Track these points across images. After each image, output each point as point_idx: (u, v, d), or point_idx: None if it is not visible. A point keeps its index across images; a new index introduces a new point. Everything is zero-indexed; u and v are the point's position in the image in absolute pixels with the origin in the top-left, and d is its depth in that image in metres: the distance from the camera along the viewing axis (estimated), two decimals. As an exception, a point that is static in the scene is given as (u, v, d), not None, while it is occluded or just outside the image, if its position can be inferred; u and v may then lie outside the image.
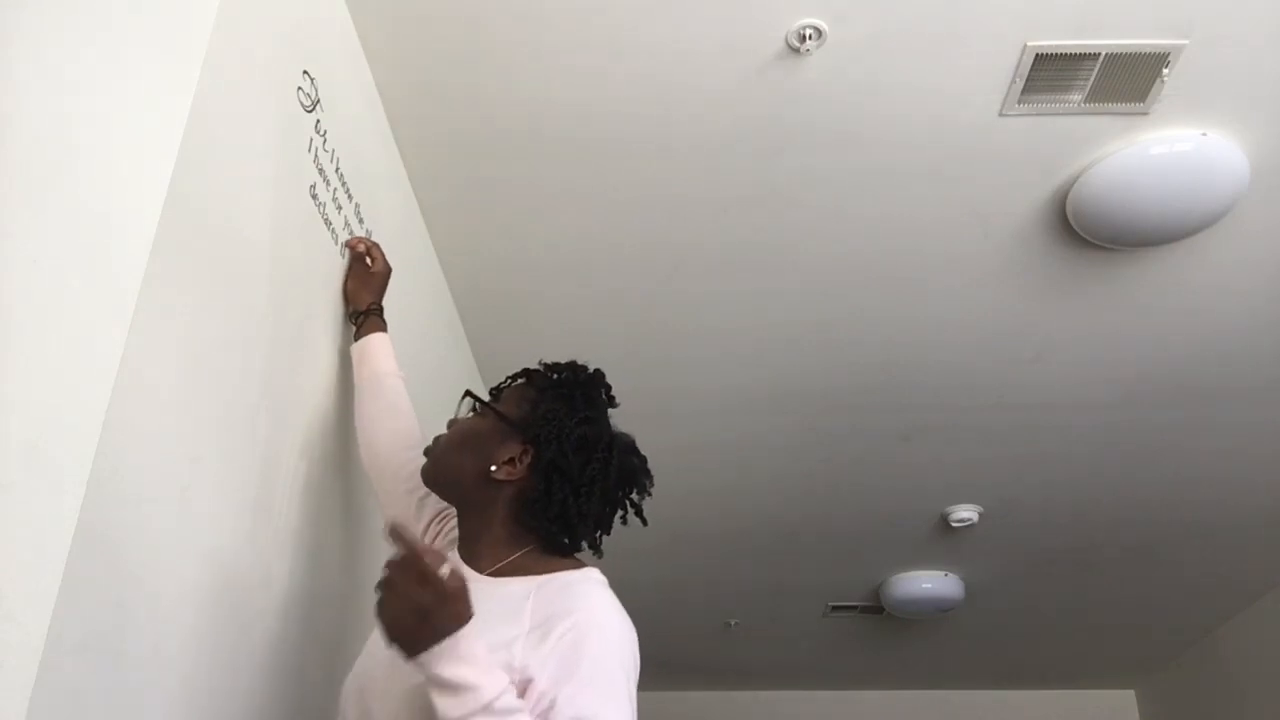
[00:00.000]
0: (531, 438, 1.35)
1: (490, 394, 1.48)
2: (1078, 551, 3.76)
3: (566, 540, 1.35)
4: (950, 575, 4.00)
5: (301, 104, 1.57)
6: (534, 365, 1.47)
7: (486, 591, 1.21)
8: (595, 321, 2.62)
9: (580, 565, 1.32)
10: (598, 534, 1.39)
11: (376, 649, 1.24)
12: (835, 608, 4.32)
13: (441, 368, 2.49)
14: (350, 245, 1.77)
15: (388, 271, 1.80)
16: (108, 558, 1.04)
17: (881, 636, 4.52)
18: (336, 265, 1.74)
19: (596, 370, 1.44)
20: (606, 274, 2.47)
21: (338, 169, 1.72)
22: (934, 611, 4.13)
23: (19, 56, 0.97)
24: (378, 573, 1.06)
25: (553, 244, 2.38)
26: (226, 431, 1.33)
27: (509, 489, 1.35)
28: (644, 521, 1.40)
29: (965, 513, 3.48)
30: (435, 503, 1.54)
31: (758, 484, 3.33)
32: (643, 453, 1.43)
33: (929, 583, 4.00)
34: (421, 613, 1.03)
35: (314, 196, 1.62)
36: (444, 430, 1.47)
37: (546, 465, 1.34)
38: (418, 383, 2.25)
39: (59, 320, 0.98)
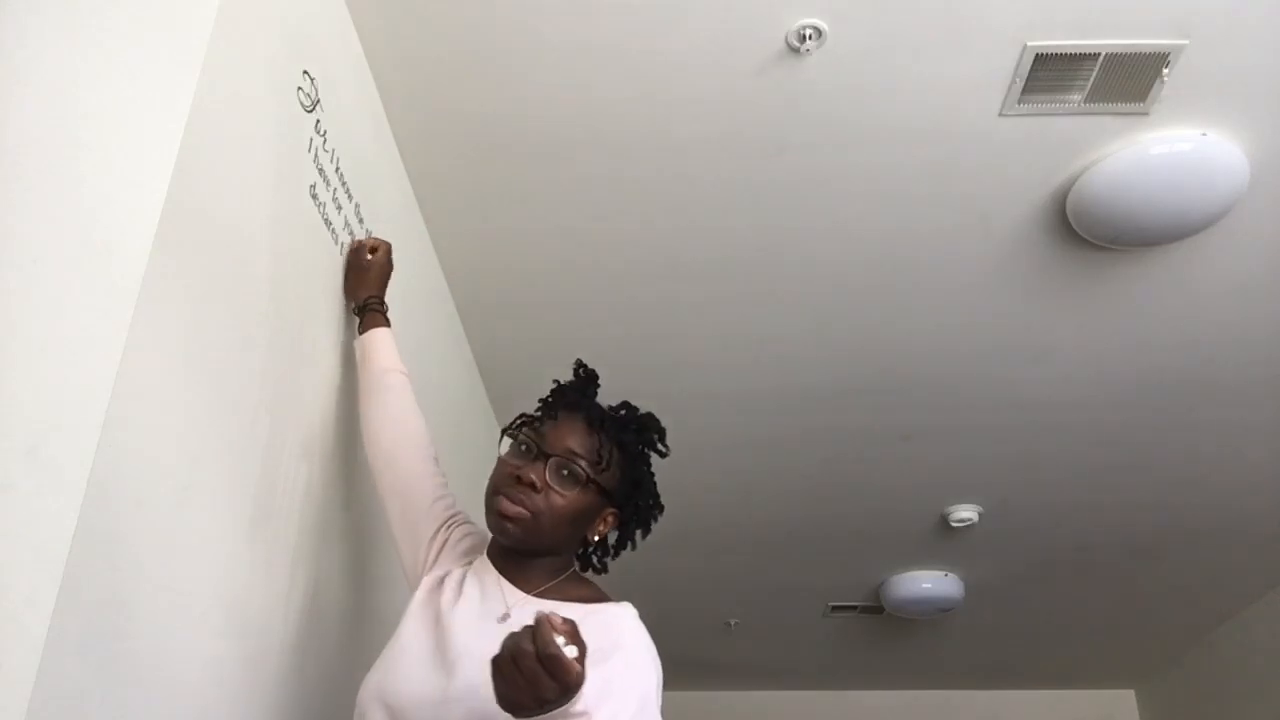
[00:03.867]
0: (619, 504, 1.43)
1: (595, 459, 1.40)
2: (1077, 551, 3.76)
3: (605, 568, 1.46)
4: (950, 575, 4.00)
5: (301, 104, 1.57)
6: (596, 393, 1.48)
7: (535, 611, 1.25)
8: (595, 321, 2.62)
9: (612, 597, 1.39)
10: None
11: (417, 669, 1.28)
12: (835, 608, 4.32)
13: (441, 368, 2.49)
14: (353, 245, 1.77)
15: (388, 266, 1.79)
16: (108, 558, 1.04)
17: (881, 636, 4.52)
18: (337, 265, 1.74)
19: (655, 418, 1.48)
20: (606, 274, 2.47)
21: (338, 169, 1.72)
22: (934, 611, 4.13)
23: (19, 56, 0.97)
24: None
25: (553, 244, 2.38)
26: (226, 431, 1.33)
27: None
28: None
29: (965, 513, 3.48)
30: (446, 509, 1.56)
31: (758, 484, 3.33)
32: None
33: (929, 583, 4.00)
34: (543, 701, 1.03)
35: (314, 196, 1.62)
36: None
37: (634, 526, 1.45)
38: (418, 383, 2.25)
39: (59, 320, 0.98)
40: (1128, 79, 1.92)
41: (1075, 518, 3.52)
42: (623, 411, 1.45)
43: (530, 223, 2.32)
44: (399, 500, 1.57)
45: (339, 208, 1.73)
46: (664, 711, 1.29)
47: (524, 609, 1.27)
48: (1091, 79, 1.92)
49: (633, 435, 1.43)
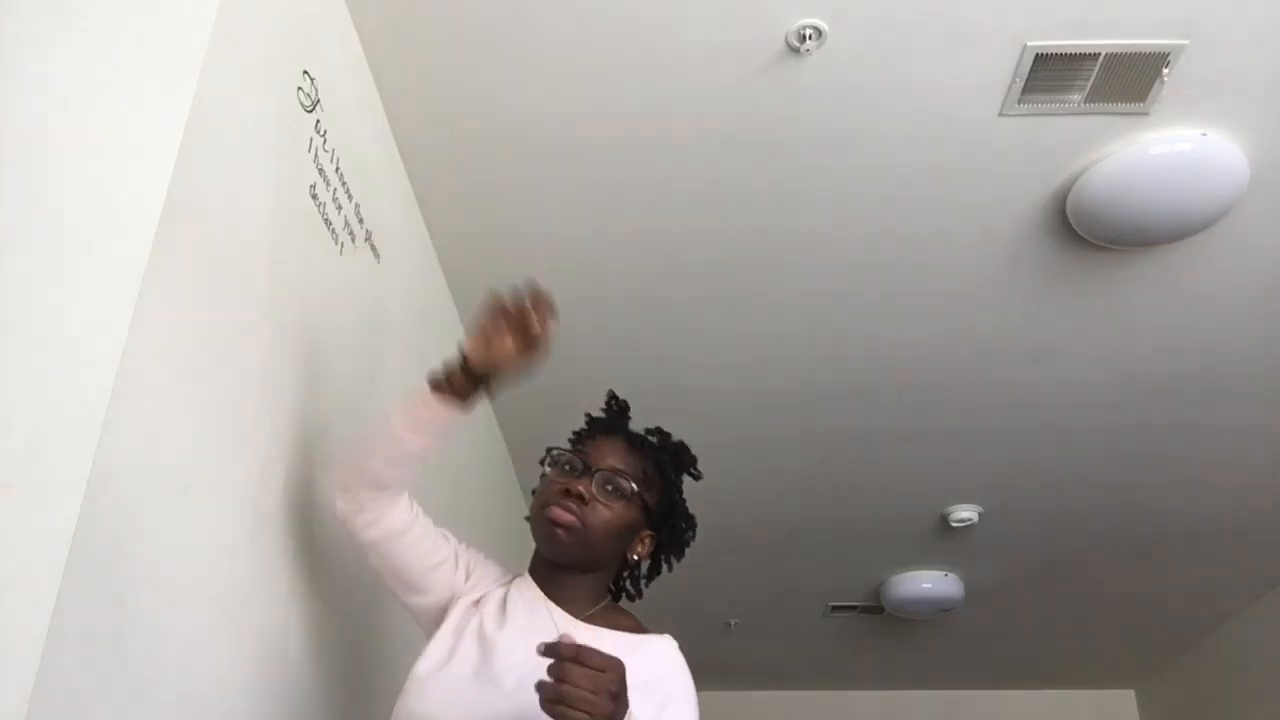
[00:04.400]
0: (657, 525, 1.46)
1: (639, 474, 1.43)
2: (1078, 551, 3.76)
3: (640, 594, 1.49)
4: (950, 575, 4.00)
5: (301, 104, 1.57)
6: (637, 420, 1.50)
7: (586, 638, 1.25)
8: (595, 321, 2.61)
9: (647, 627, 1.42)
10: None
11: (465, 690, 1.27)
12: (835, 608, 4.32)
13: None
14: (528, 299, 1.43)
15: (538, 348, 1.42)
16: (108, 558, 1.04)
17: (881, 636, 4.52)
18: (336, 265, 1.74)
19: (687, 446, 1.51)
20: (606, 274, 2.47)
21: (338, 169, 1.72)
22: (934, 611, 4.13)
23: (19, 56, 0.97)
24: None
25: (553, 244, 2.38)
26: (226, 431, 1.33)
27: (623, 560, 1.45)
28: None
29: (965, 513, 3.48)
30: (449, 537, 1.51)
31: (758, 484, 3.33)
32: None
33: (929, 583, 4.00)
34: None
35: (314, 196, 1.62)
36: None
37: (670, 549, 1.49)
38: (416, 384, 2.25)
39: (59, 320, 0.98)
40: (1128, 79, 1.92)
41: (1075, 518, 3.52)
42: (655, 437, 1.48)
43: (530, 222, 2.32)
44: (432, 568, 1.45)
45: (339, 208, 1.73)
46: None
47: (580, 637, 1.27)
48: (1091, 79, 1.92)
49: (669, 458, 1.47)
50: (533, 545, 1.46)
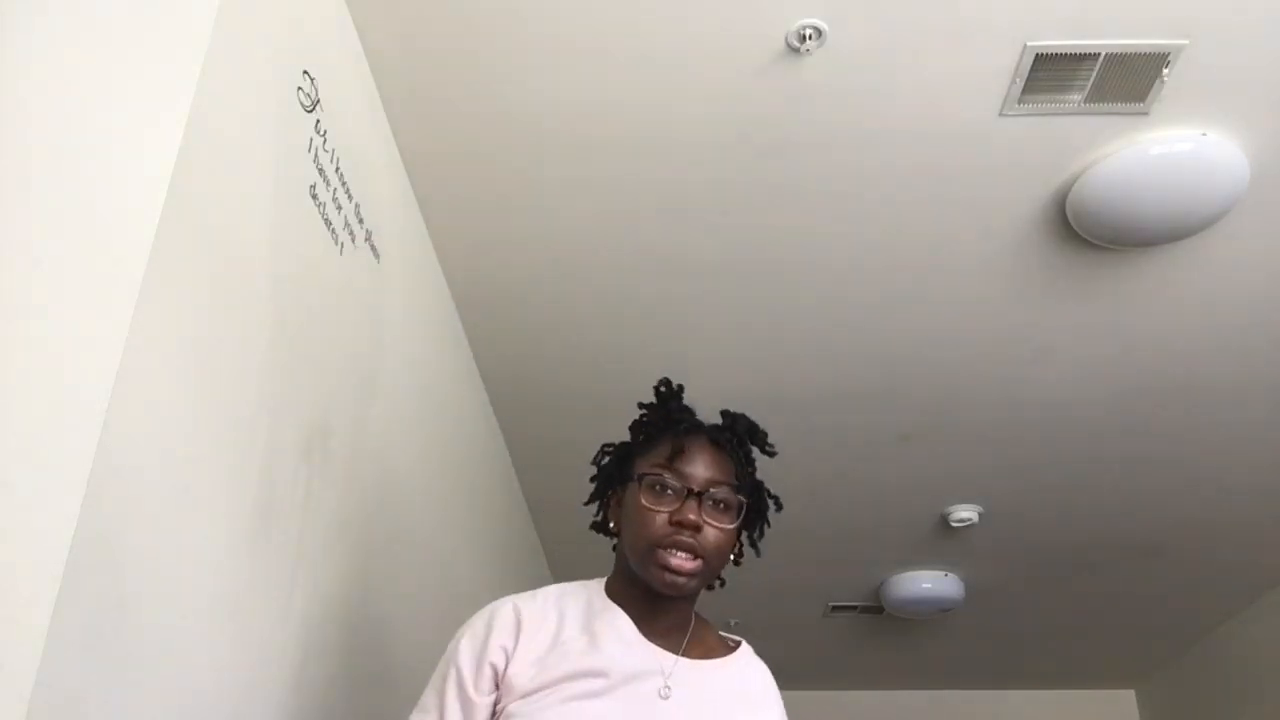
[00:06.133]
0: (749, 517, 1.41)
1: (736, 482, 1.37)
2: (1078, 551, 3.76)
3: None
4: (950, 575, 4.00)
5: (301, 104, 1.57)
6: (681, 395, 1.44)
7: (691, 680, 1.29)
8: (595, 321, 2.61)
9: (723, 634, 1.43)
10: None
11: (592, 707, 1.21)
12: (835, 608, 4.32)
13: (440, 367, 2.49)
14: None
15: None
16: (108, 558, 1.04)
17: (881, 636, 4.52)
18: (336, 265, 1.74)
19: (757, 425, 1.44)
20: (606, 274, 2.47)
21: (338, 169, 1.72)
22: (934, 611, 4.13)
23: (19, 56, 0.97)
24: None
25: (553, 244, 2.38)
26: (227, 432, 1.33)
27: None
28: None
29: (965, 513, 3.48)
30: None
31: (758, 484, 3.33)
32: None
33: (929, 583, 4.00)
34: None
35: (314, 196, 1.62)
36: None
37: (753, 536, 1.44)
38: (417, 385, 2.25)
39: (59, 320, 0.98)
40: (1128, 79, 1.92)
41: (1075, 517, 3.52)
42: (732, 423, 1.42)
43: (530, 222, 2.32)
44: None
45: (339, 208, 1.73)
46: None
47: (680, 677, 1.29)
48: (1091, 79, 1.92)
49: (748, 445, 1.42)
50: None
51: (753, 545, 1.44)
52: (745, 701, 1.32)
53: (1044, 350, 2.71)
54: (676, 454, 1.34)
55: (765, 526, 1.45)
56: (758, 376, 2.81)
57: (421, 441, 2.27)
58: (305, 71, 1.59)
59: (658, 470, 1.34)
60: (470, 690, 1.26)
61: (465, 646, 1.29)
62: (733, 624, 4.94)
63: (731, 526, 1.34)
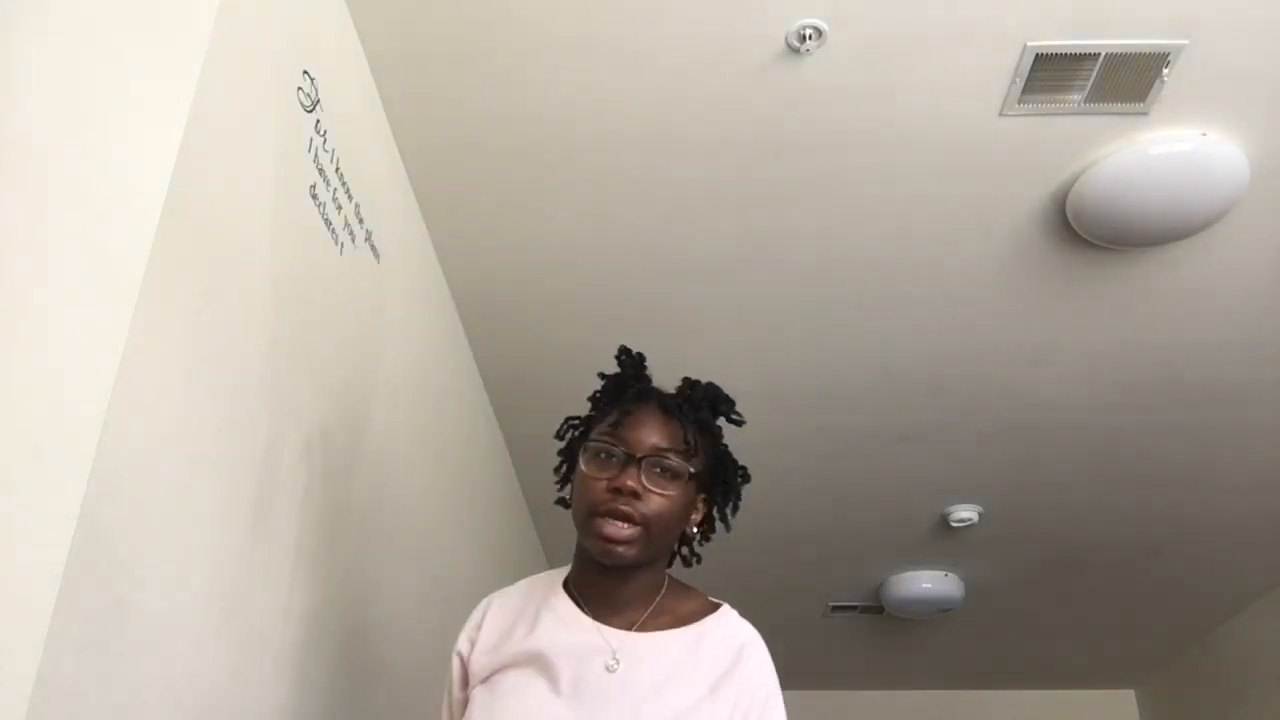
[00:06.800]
0: (710, 486, 1.37)
1: (684, 447, 1.32)
2: (1077, 551, 3.76)
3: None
4: (950, 575, 4.00)
5: (301, 104, 1.57)
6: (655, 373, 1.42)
7: (642, 652, 1.24)
8: (595, 321, 2.61)
9: (708, 599, 1.34)
10: None
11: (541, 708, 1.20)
12: (835, 608, 4.32)
13: (441, 366, 2.49)
14: None
15: None
16: (108, 558, 1.04)
17: (881, 636, 4.52)
18: (336, 265, 1.74)
19: (719, 388, 1.41)
20: (607, 274, 2.47)
21: (338, 169, 1.72)
22: (934, 611, 4.13)
23: (19, 57, 0.97)
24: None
25: (553, 244, 2.38)
26: (226, 432, 1.33)
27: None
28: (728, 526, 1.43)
29: (965, 513, 3.48)
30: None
31: (758, 484, 3.30)
32: None
33: (929, 583, 4.00)
34: None
35: (314, 196, 1.62)
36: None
37: (724, 506, 1.39)
38: (417, 384, 2.25)
39: (59, 320, 0.98)
40: (1128, 79, 1.92)
41: (1075, 518, 3.52)
42: (689, 390, 1.38)
43: (530, 222, 2.32)
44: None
45: (339, 208, 1.73)
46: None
47: (629, 650, 1.24)
48: (1091, 79, 1.92)
49: (708, 412, 1.37)
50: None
51: (722, 519, 1.39)
52: (693, 667, 1.23)
53: (1044, 350, 2.71)
54: (621, 420, 1.30)
55: (737, 500, 1.40)
56: (758, 376, 2.81)
57: (421, 441, 2.27)
58: (305, 71, 1.59)
59: (601, 438, 1.30)
60: (456, 689, 1.32)
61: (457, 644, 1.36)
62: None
63: (674, 493, 1.28)
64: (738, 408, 1.43)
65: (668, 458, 1.29)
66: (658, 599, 1.31)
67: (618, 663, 1.23)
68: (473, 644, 1.32)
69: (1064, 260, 2.39)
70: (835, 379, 2.83)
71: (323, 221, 1.66)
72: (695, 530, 1.35)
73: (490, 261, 2.44)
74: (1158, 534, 3.61)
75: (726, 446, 1.41)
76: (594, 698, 1.20)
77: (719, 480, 1.38)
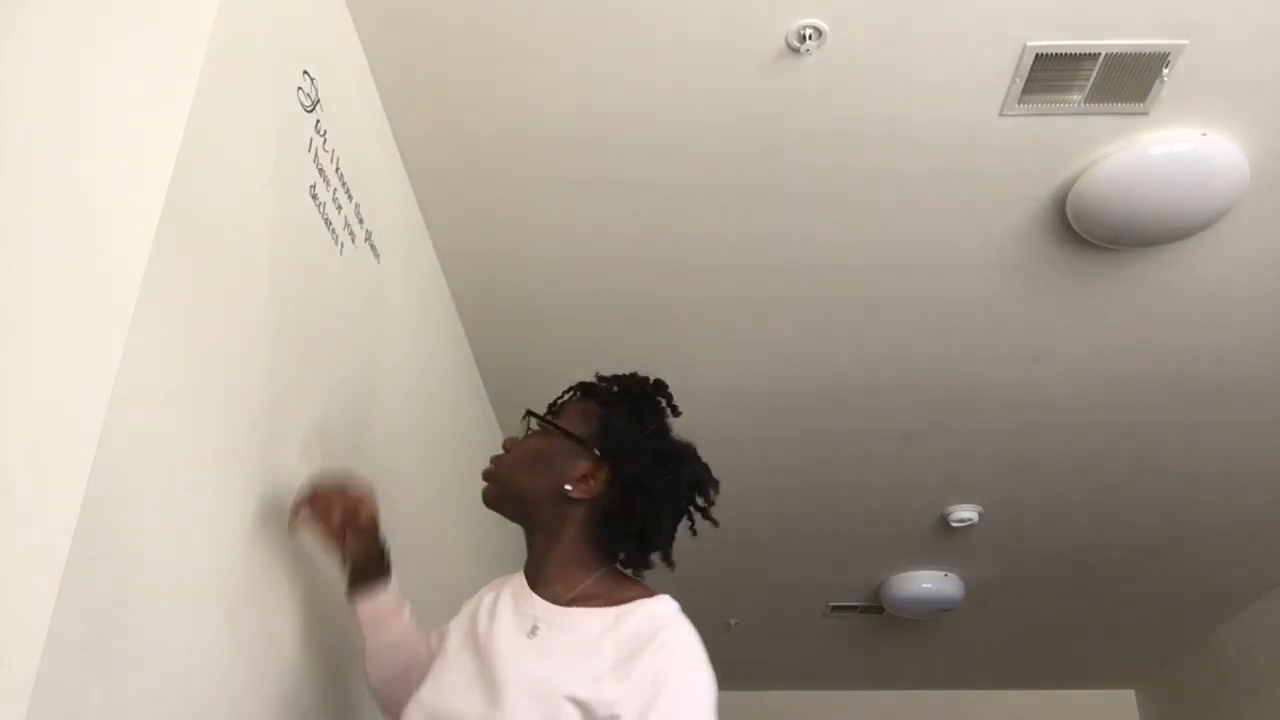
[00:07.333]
0: (606, 454, 1.38)
1: (548, 411, 1.47)
2: (1077, 551, 3.76)
3: (640, 556, 1.39)
4: (950, 575, 4.00)
5: (301, 104, 1.57)
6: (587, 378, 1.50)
7: (563, 622, 1.29)
8: (595, 321, 2.61)
9: (651, 591, 1.33)
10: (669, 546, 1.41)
11: (462, 693, 1.27)
12: (835, 608, 4.32)
13: (441, 368, 2.49)
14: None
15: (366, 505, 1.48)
16: (108, 558, 1.04)
17: (881, 636, 4.52)
18: (336, 265, 1.74)
19: (658, 380, 1.47)
20: (606, 274, 2.47)
21: (338, 169, 1.72)
22: (934, 611, 4.13)
23: (19, 56, 0.97)
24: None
25: (553, 244, 2.38)
26: (227, 432, 1.33)
27: (584, 508, 1.38)
28: (714, 523, 1.46)
29: (965, 513, 3.48)
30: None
31: (758, 484, 3.33)
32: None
33: (929, 583, 4.00)
34: None
35: (314, 196, 1.62)
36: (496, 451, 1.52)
37: (627, 481, 1.37)
38: (417, 385, 2.25)
39: (59, 320, 0.98)
40: (1128, 79, 1.92)
41: (1075, 518, 3.52)
42: (606, 377, 1.48)
43: (530, 222, 2.32)
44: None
45: (339, 208, 1.73)
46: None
47: (552, 619, 1.30)
48: (1091, 79, 1.92)
49: (608, 384, 1.45)
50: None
51: (653, 518, 1.37)
52: (605, 642, 1.23)
53: (1044, 350, 2.71)
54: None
55: (658, 489, 1.37)
56: (757, 376, 2.81)
57: (421, 441, 2.27)
58: (305, 71, 1.59)
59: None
60: (431, 638, 1.48)
61: None
62: (733, 624, 4.93)
63: (533, 440, 1.42)
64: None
65: (536, 417, 1.44)
66: (589, 580, 1.35)
67: (536, 630, 1.29)
68: (443, 634, 1.43)
69: (1064, 260, 2.39)
70: (835, 379, 2.83)
71: (323, 221, 1.66)
72: (583, 496, 1.37)
73: (490, 261, 2.44)
74: (1158, 534, 3.61)
75: (647, 431, 1.41)
76: (501, 657, 1.26)
77: (619, 455, 1.38)
